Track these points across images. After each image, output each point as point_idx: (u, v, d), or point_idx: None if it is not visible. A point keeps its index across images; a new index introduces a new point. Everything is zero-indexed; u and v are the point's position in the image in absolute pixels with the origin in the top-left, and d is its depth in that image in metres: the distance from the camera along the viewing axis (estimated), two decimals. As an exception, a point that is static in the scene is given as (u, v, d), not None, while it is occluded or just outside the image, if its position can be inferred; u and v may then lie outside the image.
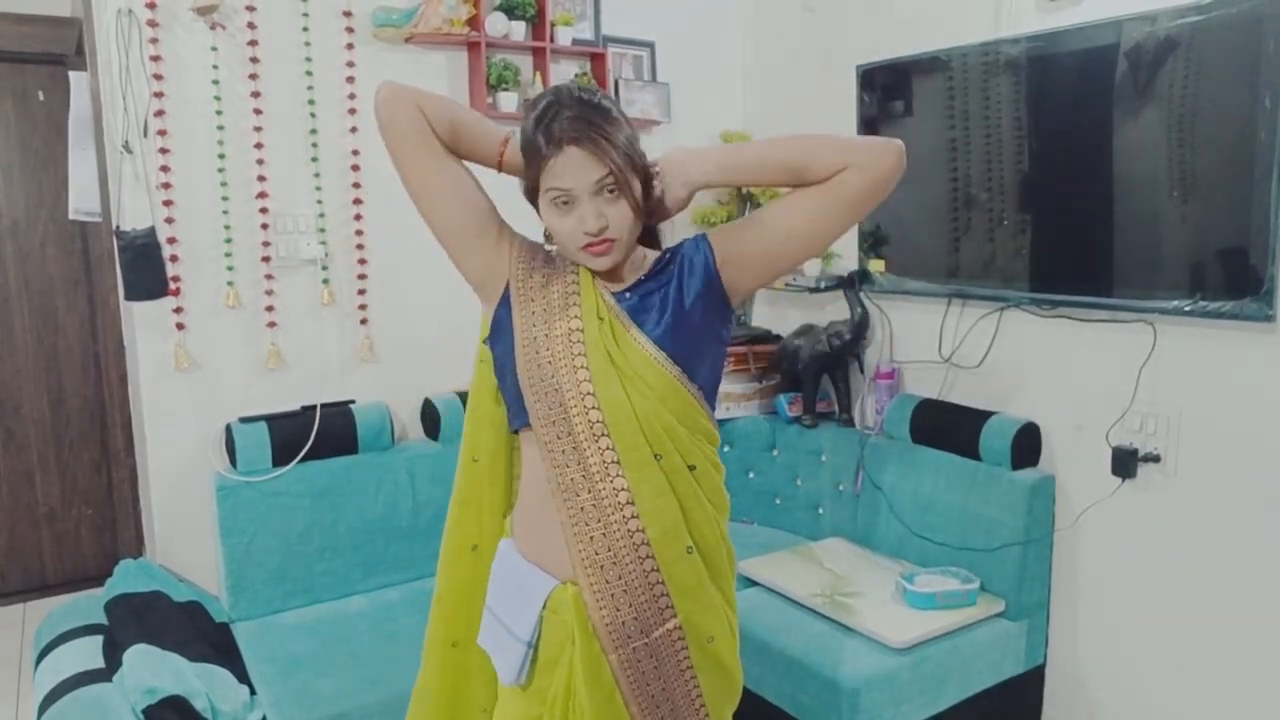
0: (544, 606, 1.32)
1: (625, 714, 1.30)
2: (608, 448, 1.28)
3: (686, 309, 1.34)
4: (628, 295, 1.37)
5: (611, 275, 1.38)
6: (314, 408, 2.58)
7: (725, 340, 1.41)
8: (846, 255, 3.02)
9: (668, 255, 1.40)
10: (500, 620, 1.37)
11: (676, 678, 1.31)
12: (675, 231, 1.46)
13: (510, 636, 1.34)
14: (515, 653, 1.34)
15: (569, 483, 1.29)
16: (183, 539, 2.54)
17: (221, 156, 2.49)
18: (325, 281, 2.67)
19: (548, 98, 1.30)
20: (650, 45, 3.21)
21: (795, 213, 1.30)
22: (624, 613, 1.28)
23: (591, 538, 1.28)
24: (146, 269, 2.35)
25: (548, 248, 1.42)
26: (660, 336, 1.32)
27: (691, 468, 1.32)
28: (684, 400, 1.32)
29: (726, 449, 1.44)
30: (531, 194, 1.34)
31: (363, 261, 2.73)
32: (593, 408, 1.29)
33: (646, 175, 1.33)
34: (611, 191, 1.27)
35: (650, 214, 1.37)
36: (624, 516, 1.28)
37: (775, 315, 3.36)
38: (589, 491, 1.28)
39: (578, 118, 1.25)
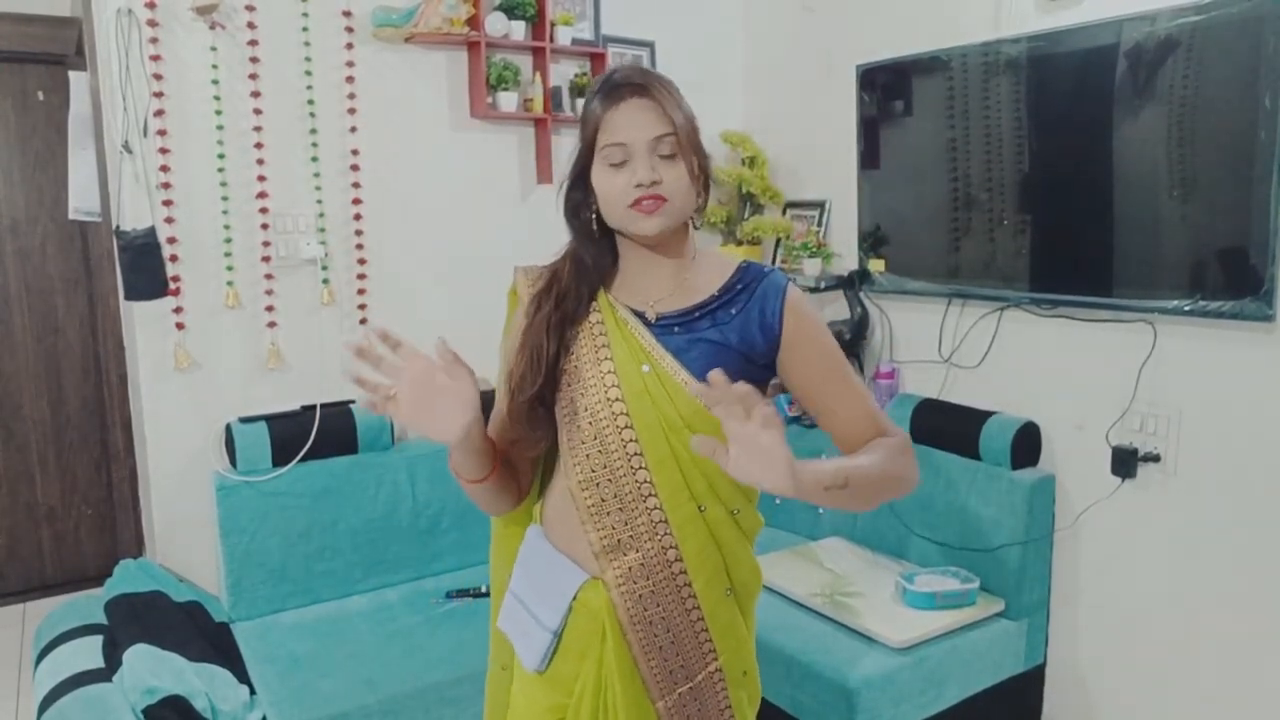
0: (573, 598, 1.28)
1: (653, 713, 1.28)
2: (655, 507, 1.24)
3: (737, 349, 1.25)
4: (676, 330, 1.26)
5: (652, 285, 1.28)
6: (314, 408, 2.58)
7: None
8: (846, 255, 3.02)
9: (740, 285, 1.28)
10: (526, 607, 1.33)
11: (717, 717, 1.30)
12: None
13: (537, 624, 1.31)
14: (541, 641, 1.30)
15: (615, 544, 1.25)
16: (183, 539, 2.54)
17: (221, 156, 2.49)
18: (325, 281, 2.67)
19: (611, 70, 1.25)
20: (650, 45, 3.21)
21: (839, 420, 1.26)
22: (671, 662, 1.27)
23: (640, 595, 1.25)
24: (146, 269, 2.35)
25: (550, 263, 1.34)
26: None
27: (734, 512, 1.28)
28: None
29: (727, 449, 1.39)
30: (580, 179, 1.26)
31: (363, 261, 2.73)
32: (640, 468, 1.23)
33: (705, 164, 1.25)
34: (668, 156, 1.20)
35: (700, 210, 1.29)
36: (673, 573, 1.25)
37: (775, 315, 3.35)
38: (636, 551, 1.24)
39: (640, 73, 1.23)
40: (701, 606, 1.27)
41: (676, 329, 1.26)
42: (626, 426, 1.23)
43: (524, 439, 1.30)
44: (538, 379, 1.26)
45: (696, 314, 1.26)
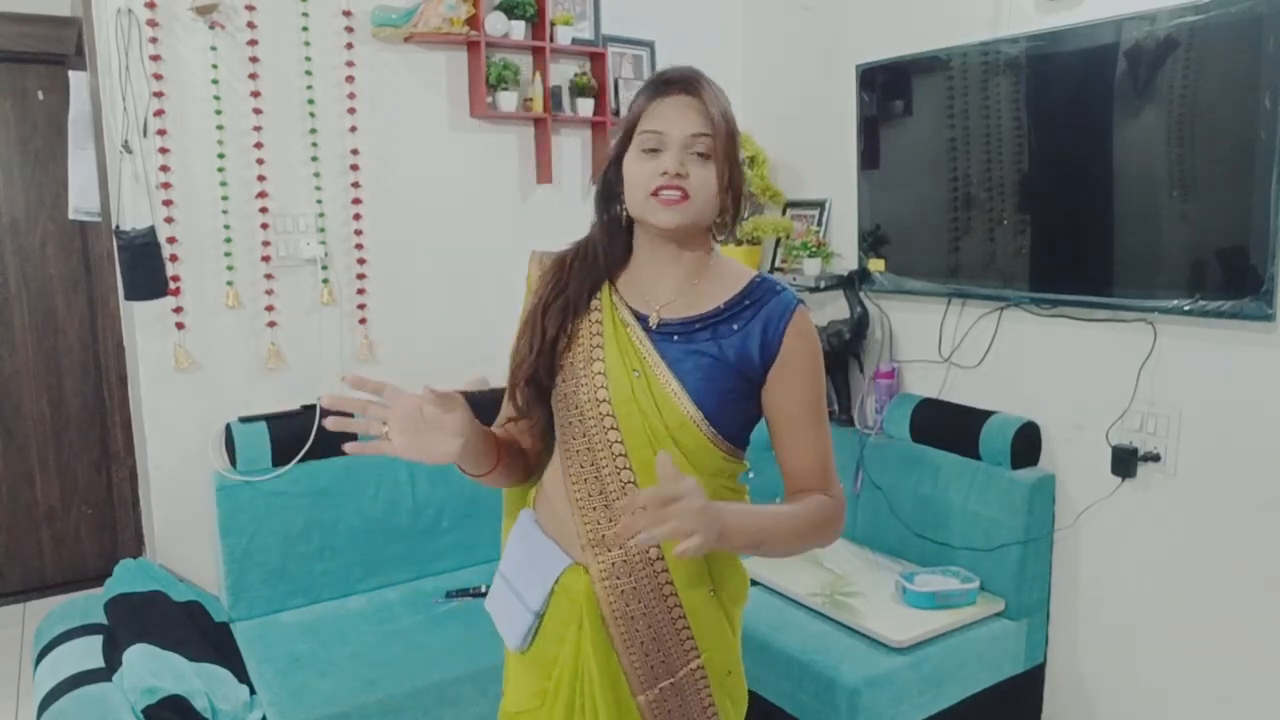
0: (555, 581, 1.31)
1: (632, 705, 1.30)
2: None
3: (734, 366, 1.25)
4: (675, 338, 1.26)
5: (661, 286, 1.29)
6: (314, 407, 2.58)
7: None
8: (846, 255, 3.02)
9: (748, 301, 1.28)
10: (512, 587, 1.36)
11: (700, 714, 1.32)
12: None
13: (521, 604, 1.34)
14: (523, 621, 1.33)
15: (599, 539, 1.27)
16: (183, 539, 2.54)
17: (221, 156, 2.49)
18: (325, 281, 2.67)
19: (667, 67, 1.29)
20: (650, 45, 3.21)
21: (796, 458, 1.27)
22: (652, 657, 1.29)
23: (622, 591, 1.27)
24: (146, 269, 2.35)
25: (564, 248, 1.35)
26: (701, 394, 1.24)
27: None
28: (715, 458, 1.27)
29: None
30: (615, 165, 1.29)
31: (362, 261, 2.73)
32: (625, 468, 1.25)
33: (738, 179, 1.27)
34: (702, 156, 1.22)
35: (725, 225, 1.31)
36: (654, 570, 1.27)
37: (775, 315, 3.35)
38: (619, 548, 1.26)
39: (693, 73, 1.26)
40: (684, 605, 1.28)
41: (675, 337, 1.27)
42: (613, 428, 1.25)
43: (519, 416, 1.32)
44: (534, 360, 1.28)
45: (698, 325, 1.27)
